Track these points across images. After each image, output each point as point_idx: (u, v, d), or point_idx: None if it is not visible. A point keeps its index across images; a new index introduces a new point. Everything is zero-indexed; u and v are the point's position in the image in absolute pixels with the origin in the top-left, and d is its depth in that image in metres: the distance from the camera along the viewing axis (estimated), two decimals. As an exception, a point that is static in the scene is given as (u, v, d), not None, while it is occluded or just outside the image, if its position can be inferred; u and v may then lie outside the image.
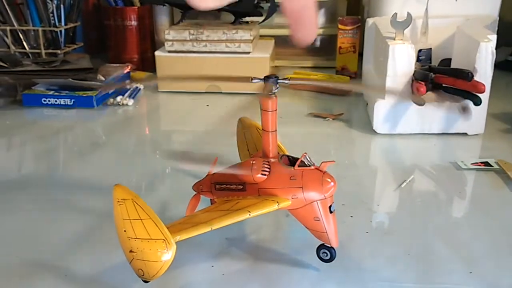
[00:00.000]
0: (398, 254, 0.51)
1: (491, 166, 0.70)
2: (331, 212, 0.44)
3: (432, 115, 0.82)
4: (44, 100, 0.98)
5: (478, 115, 0.81)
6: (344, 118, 0.92)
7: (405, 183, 0.66)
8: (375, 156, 0.81)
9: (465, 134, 0.83)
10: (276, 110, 0.45)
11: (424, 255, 0.51)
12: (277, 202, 0.44)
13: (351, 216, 0.58)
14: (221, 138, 0.80)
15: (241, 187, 0.47)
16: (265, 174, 0.45)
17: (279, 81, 0.44)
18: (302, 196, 0.44)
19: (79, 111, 0.97)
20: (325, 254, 0.47)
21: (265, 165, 0.45)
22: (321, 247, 0.47)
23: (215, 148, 0.80)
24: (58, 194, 0.65)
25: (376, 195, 0.66)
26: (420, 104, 0.78)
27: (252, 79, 0.44)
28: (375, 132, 0.84)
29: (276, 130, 0.46)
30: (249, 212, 0.43)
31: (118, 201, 0.41)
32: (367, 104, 0.95)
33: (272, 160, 0.46)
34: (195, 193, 0.53)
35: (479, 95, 0.76)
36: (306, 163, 0.44)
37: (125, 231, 0.40)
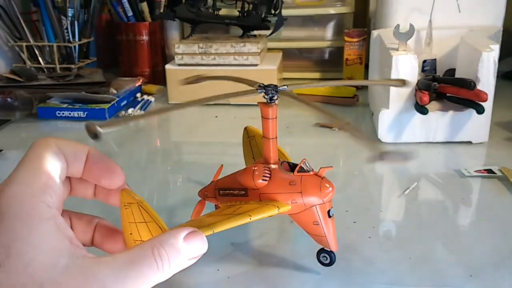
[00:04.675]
0: (400, 258, 0.52)
1: (494, 173, 0.71)
2: (330, 216, 0.46)
3: (436, 124, 0.83)
4: (58, 113, 1.01)
5: (482, 124, 0.82)
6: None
7: (408, 190, 0.67)
8: (380, 164, 0.82)
9: (470, 142, 0.83)
10: (276, 117, 0.46)
11: (426, 260, 0.52)
12: (277, 207, 0.45)
13: (354, 222, 0.59)
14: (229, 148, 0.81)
15: (243, 192, 0.48)
16: (266, 180, 0.46)
17: (278, 89, 0.45)
18: (301, 201, 0.45)
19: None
20: (325, 258, 0.48)
21: (266, 171, 0.46)
22: (321, 251, 0.48)
23: (224, 157, 0.82)
24: (71, 202, 0.67)
25: (380, 202, 0.67)
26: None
27: (257, 89, 0.46)
28: (380, 141, 0.85)
29: (276, 137, 0.47)
30: (250, 216, 0.44)
31: (125, 205, 0.42)
32: (372, 114, 0.96)
33: (273, 166, 0.48)
34: (200, 199, 0.55)
35: (482, 103, 0.77)
36: (305, 169, 0.45)
37: (131, 234, 0.42)
